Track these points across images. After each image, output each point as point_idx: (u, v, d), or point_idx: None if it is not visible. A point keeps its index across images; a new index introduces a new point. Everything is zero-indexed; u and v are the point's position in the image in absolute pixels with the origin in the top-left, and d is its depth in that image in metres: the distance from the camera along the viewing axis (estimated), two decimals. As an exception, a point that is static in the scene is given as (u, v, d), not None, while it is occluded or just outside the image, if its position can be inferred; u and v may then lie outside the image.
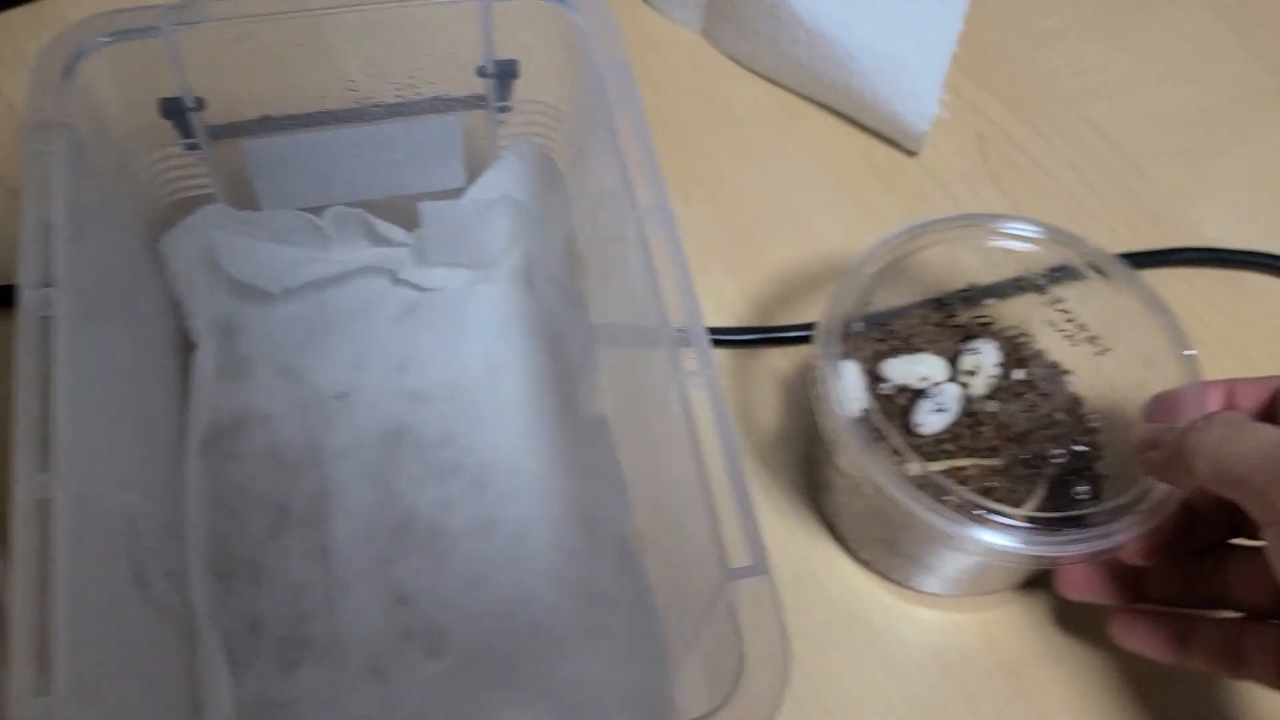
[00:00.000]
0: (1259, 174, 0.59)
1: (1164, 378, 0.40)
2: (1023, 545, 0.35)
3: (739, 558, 0.30)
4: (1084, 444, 0.42)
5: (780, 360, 0.49)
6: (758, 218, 0.54)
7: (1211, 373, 0.51)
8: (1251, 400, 0.38)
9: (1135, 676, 0.42)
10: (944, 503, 0.36)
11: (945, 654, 0.43)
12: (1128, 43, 0.64)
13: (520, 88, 0.43)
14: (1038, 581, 0.44)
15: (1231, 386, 0.38)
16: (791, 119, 0.58)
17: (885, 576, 0.43)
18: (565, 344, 0.46)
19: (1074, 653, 0.43)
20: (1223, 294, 0.54)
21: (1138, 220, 0.56)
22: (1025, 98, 0.60)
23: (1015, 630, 0.43)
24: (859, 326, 0.40)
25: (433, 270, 0.47)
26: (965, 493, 0.36)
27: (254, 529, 0.42)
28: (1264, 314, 0.53)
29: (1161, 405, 0.39)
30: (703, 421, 0.32)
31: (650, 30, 0.60)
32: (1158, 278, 0.54)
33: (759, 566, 0.30)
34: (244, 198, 0.44)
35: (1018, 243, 0.43)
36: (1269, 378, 0.38)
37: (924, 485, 0.36)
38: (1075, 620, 0.43)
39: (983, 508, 0.36)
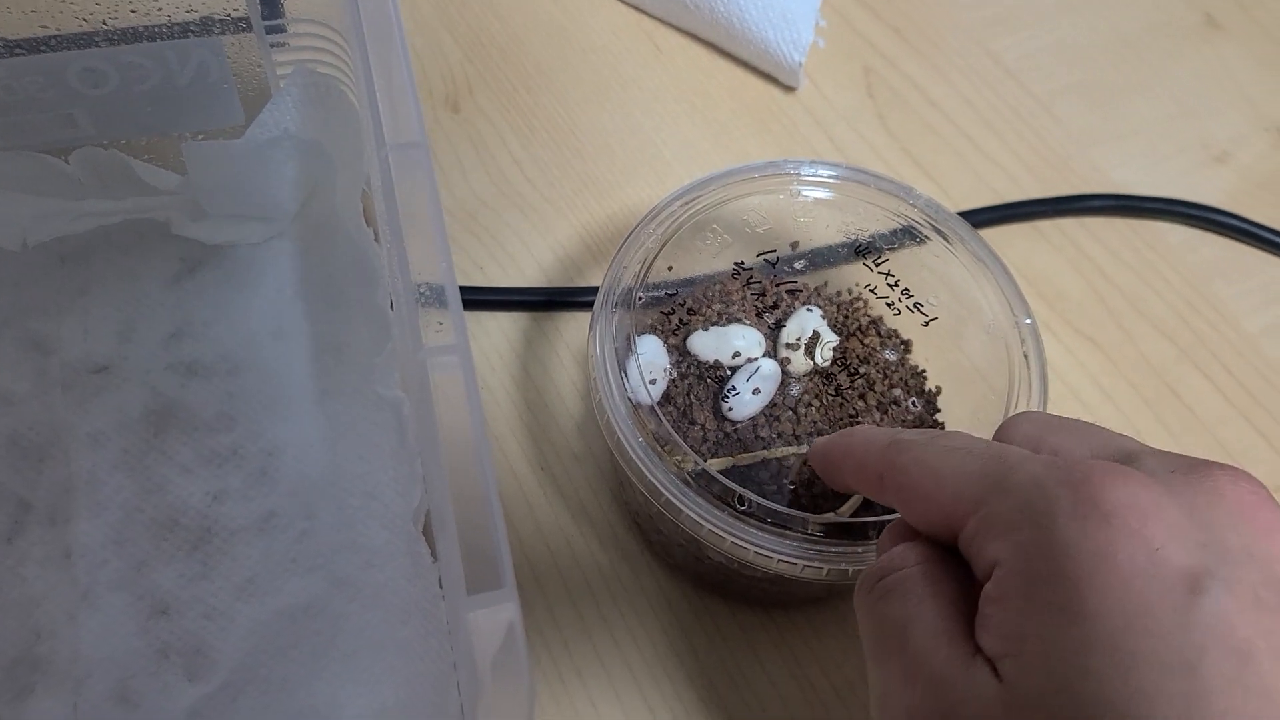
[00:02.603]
0: (1174, 114, 0.53)
1: (1006, 345, 0.35)
2: (834, 560, 0.30)
3: (481, 579, 0.24)
4: (928, 425, 0.36)
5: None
6: (611, 162, 0.48)
7: (1114, 334, 0.46)
8: None
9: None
10: (735, 510, 0.31)
11: (787, 669, 0.37)
12: (1037, -34, 0.58)
13: (291, 4, 0.36)
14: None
15: None
16: (656, 51, 0.51)
17: (697, 584, 0.38)
18: (361, 312, 0.39)
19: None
20: (1132, 246, 0.49)
21: (1041, 164, 0.50)
22: (919, 26, 0.54)
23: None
24: (645, 296, 0.34)
25: (215, 223, 0.41)
26: (760, 498, 0.31)
27: (-14, 531, 0.36)
28: (1176, 267, 0.48)
29: None
30: (452, 408, 0.26)
31: (498, -51, 0.54)
32: (1061, 227, 0.49)
33: (504, 594, 0.24)
34: (-32, 138, 0.37)
35: (835, 193, 0.37)
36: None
37: (712, 487, 0.31)
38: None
39: (784, 515, 0.30)
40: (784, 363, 0.36)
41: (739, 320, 0.36)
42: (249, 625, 0.35)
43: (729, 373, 0.35)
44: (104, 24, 0.35)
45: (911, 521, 0.27)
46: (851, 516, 0.33)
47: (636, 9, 0.52)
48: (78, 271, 0.40)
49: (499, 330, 0.43)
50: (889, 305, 0.37)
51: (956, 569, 0.25)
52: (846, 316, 0.38)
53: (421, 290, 0.26)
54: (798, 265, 0.38)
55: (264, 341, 0.40)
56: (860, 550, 0.31)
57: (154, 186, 0.39)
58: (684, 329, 0.36)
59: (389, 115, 0.28)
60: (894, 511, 0.33)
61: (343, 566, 0.36)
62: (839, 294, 0.39)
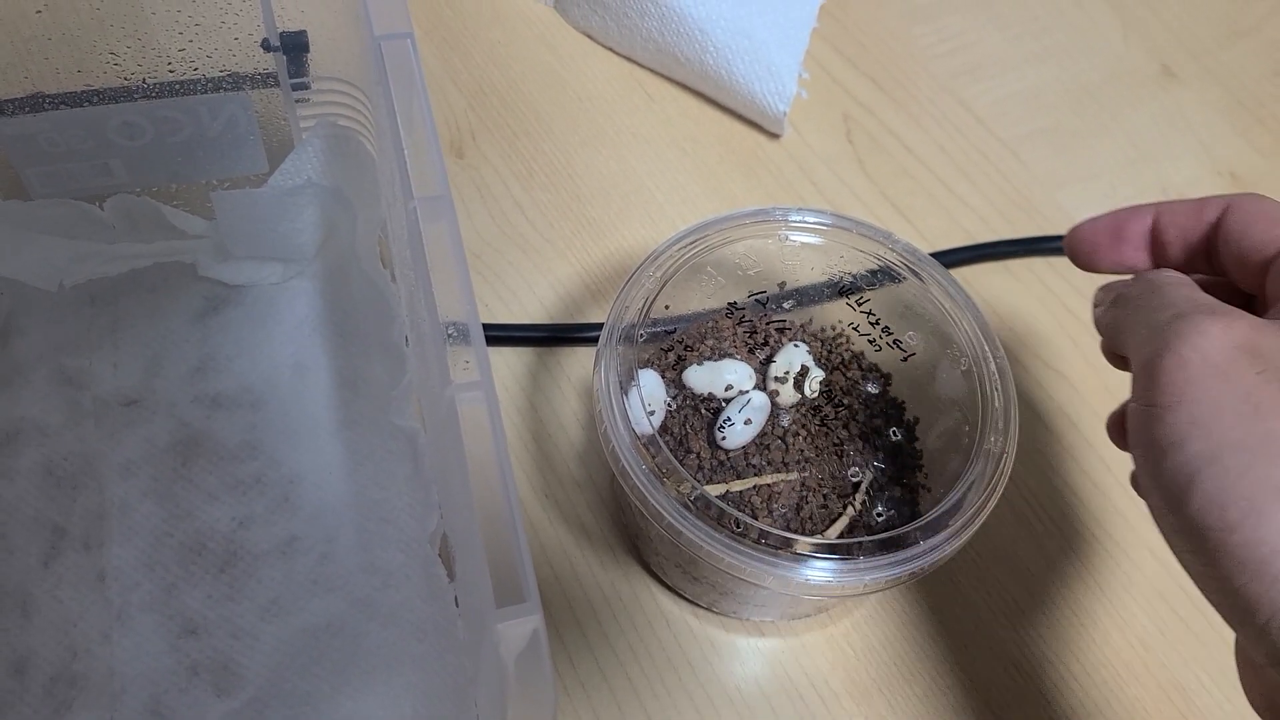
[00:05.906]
0: (1133, 158, 0.56)
1: (978, 379, 0.38)
2: (823, 576, 0.32)
3: (507, 594, 0.26)
4: (907, 453, 0.39)
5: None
6: (607, 205, 0.51)
7: (1079, 366, 0.49)
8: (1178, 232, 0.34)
9: (988, 696, 0.40)
10: (732, 531, 0.33)
11: (777, 683, 0.40)
12: (1004, 18, 0.61)
13: (316, 63, 0.39)
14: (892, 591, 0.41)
15: (1158, 216, 0.34)
16: (648, 100, 0.55)
17: (693, 603, 0.40)
18: (377, 348, 0.42)
19: (927, 670, 0.40)
20: (1095, 283, 0.52)
21: (1009, 206, 0.54)
22: (895, 76, 0.57)
23: (864, 648, 0.41)
24: (645, 333, 0.37)
25: (238, 265, 0.43)
26: (754, 521, 0.33)
27: (24, 555, 0.38)
28: (1136, 304, 0.51)
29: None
30: (478, 439, 0.28)
31: (498, 3, 0.57)
32: (1029, 266, 0.52)
33: (528, 607, 0.26)
34: (11, 186, 0.39)
35: (820, 238, 0.40)
36: (1197, 201, 0.34)
37: (709, 510, 0.33)
38: (929, 635, 0.41)
39: (776, 537, 0.33)
40: (773, 395, 0.39)
41: (731, 355, 0.39)
42: (273, 643, 0.38)
43: (722, 404, 0.38)
44: (143, 81, 0.37)
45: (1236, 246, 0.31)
46: (838, 538, 0.36)
47: (629, 60, 0.56)
48: (107, 310, 0.42)
49: (504, 364, 0.45)
50: (870, 342, 0.40)
51: None
52: (831, 352, 0.41)
53: (449, 331, 0.29)
54: (786, 305, 0.41)
55: (285, 375, 0.42)
56: (846, 568, 0.33)
57: (182, 230, 0.42)
58: (681, 364, 0.39)
59: (415, 168, 0.31)
60: (877, 531, 0.36)
61: (361, 587, 0.38)
62: (824, 331, 0.42)
